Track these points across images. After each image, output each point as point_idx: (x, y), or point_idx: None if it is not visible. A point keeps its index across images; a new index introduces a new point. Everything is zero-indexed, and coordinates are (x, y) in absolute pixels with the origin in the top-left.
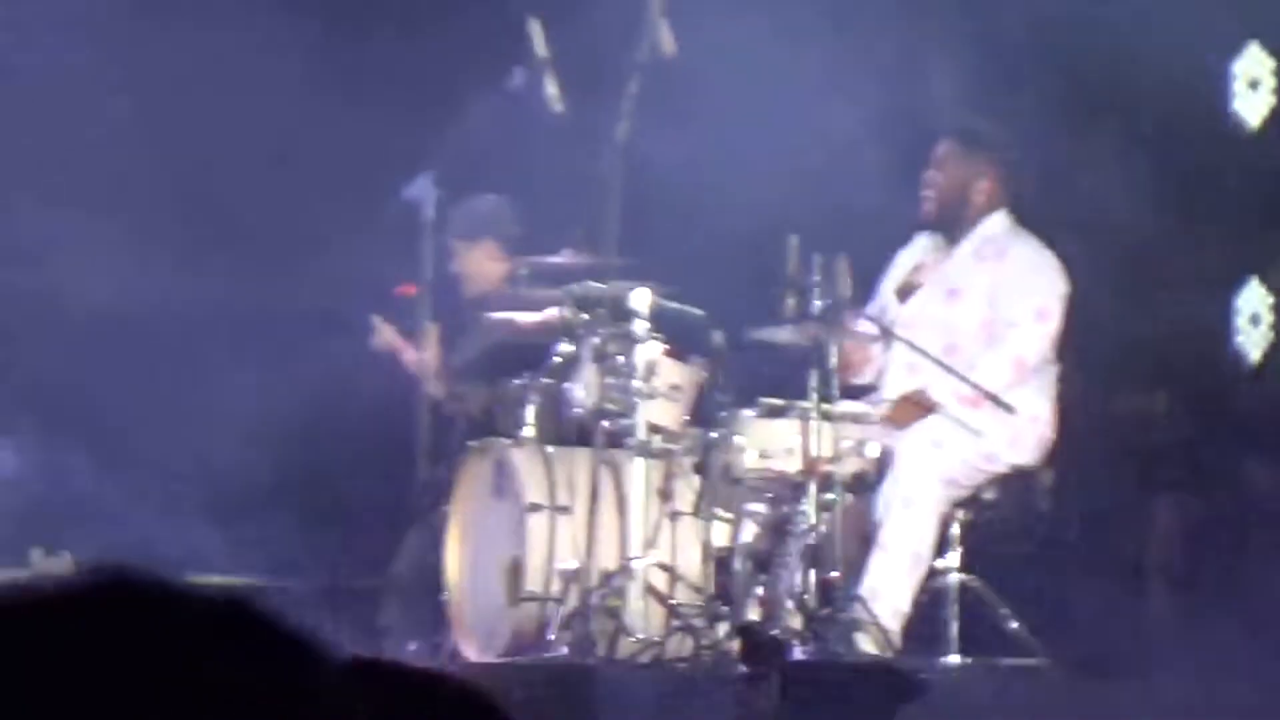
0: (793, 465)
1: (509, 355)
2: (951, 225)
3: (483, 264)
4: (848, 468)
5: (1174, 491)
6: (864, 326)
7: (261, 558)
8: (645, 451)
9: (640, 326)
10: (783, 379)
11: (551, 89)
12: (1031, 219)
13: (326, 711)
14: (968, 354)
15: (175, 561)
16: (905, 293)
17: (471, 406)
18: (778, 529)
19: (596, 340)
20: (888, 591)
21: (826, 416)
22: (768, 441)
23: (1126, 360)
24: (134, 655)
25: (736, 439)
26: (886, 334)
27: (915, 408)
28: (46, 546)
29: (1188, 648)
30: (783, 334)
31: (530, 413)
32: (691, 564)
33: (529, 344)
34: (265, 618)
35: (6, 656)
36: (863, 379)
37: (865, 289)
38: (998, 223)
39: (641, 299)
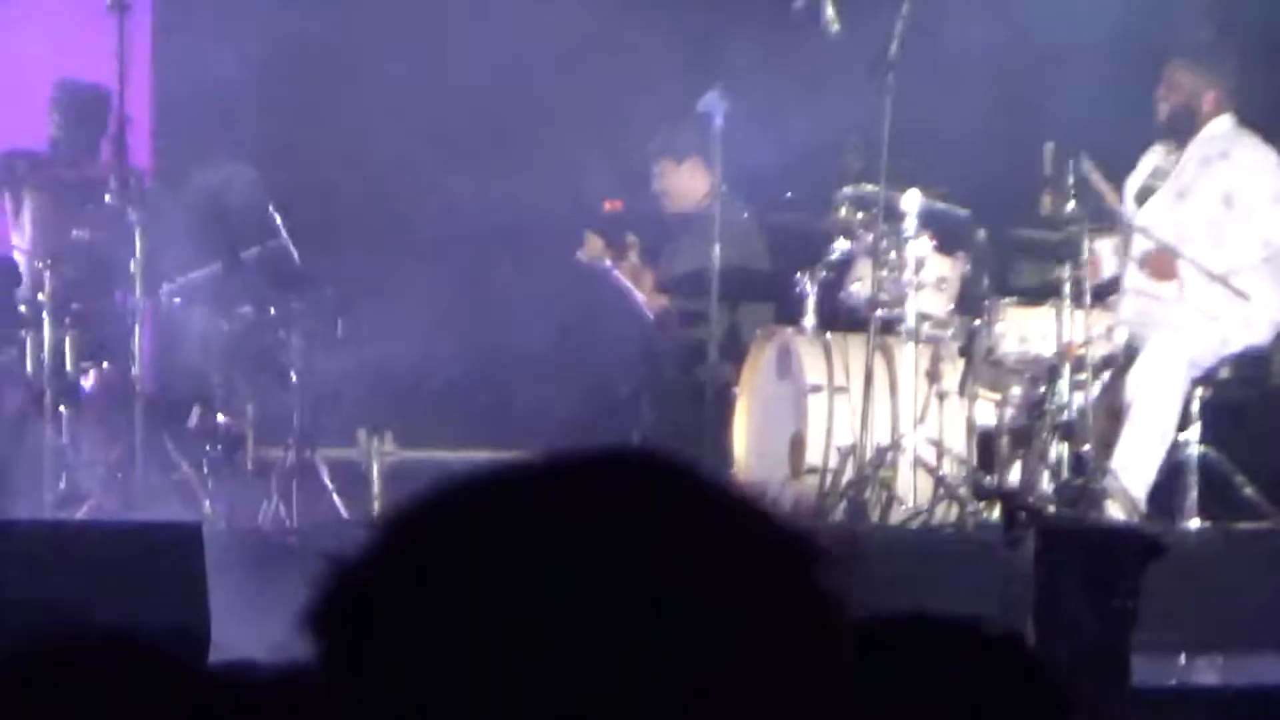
0: (1049, 349)
1: (741, 276)
2: (1182, 132)
3: (689, 181)
4: (1098, 351)
5: None
6: (1114, 223)
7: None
8: (914, 337)
9: (910, 224)
10: (1040, 272)
11: (830, 9)
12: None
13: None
14: (1200, 245)
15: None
16: (1142, 196)
17: (708, 330)
18: (1035, 407)
19: (871, 237)
20: (1137, 463)
21: (1079, 304)
22: (1026, 328)
23: None
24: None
25: (998, 326)
26: (1133, 230)
27: (1163, 270)
28: (371, 427)
29: None
30: (1040, 232)
31: (810, 302)
32: (957, 439)
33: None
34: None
35: (563, 518)
36: (1100, 279)
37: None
38: (1221, 125)
39: (911, 200)
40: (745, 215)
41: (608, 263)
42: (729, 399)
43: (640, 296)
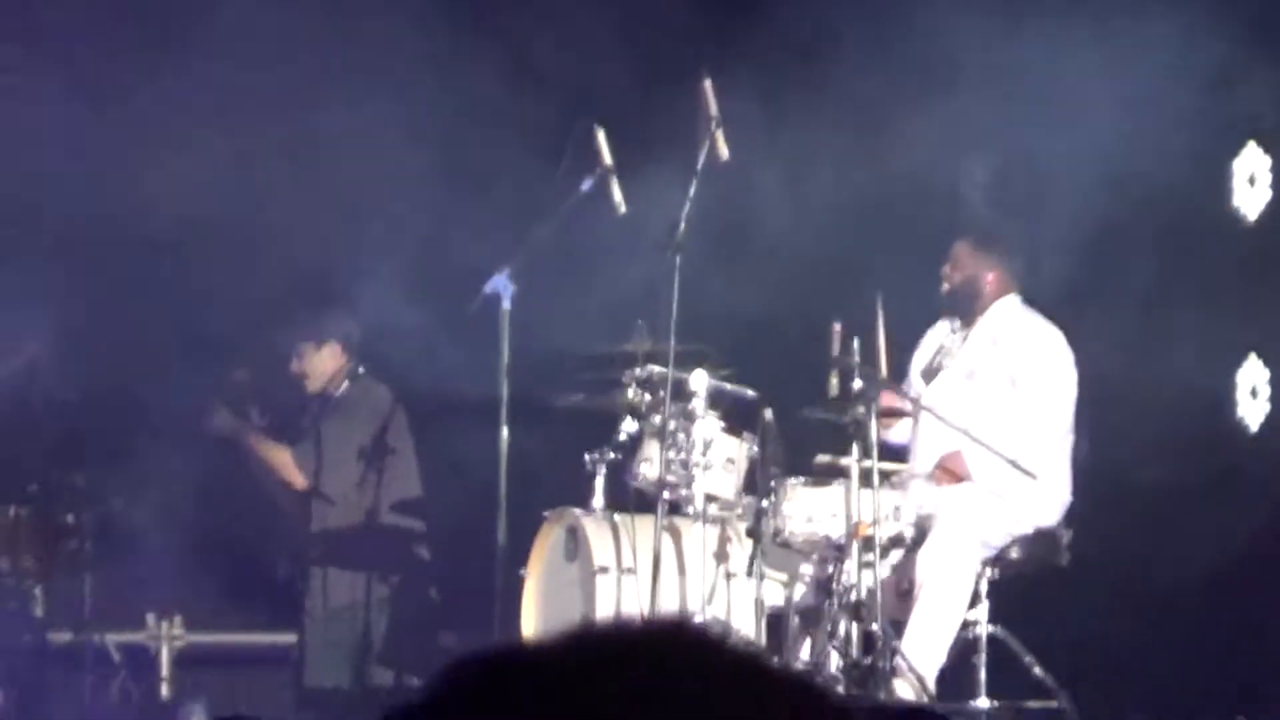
0: (836, 529)
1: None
2: (966, 310)
3: (327, 364)
4: (886, 530)
5: (1170, 553)
6: (899, 402)
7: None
8: (702, 518)
9: (698, 405)
10: (827, 451)
11: (616, 193)
12: (1046, 302)
13: None
14: (988, 429)
15: None
16: (929, 375)
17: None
18: (824, 587)
19: (658, 418)
20: (926, 643)
21: (867, 485)
22: (813, 508)
23: (1138, 429)
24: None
25: (785, 506)
26: (919, 409)
27: (950, 474)
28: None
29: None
30: (827, 412)
31: (599, 483)
32: (745, 619)
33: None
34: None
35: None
36: (893, 437)
37: (899, 366)
38: (1008, 306)
39: (699, 380)
40: (390, 396)
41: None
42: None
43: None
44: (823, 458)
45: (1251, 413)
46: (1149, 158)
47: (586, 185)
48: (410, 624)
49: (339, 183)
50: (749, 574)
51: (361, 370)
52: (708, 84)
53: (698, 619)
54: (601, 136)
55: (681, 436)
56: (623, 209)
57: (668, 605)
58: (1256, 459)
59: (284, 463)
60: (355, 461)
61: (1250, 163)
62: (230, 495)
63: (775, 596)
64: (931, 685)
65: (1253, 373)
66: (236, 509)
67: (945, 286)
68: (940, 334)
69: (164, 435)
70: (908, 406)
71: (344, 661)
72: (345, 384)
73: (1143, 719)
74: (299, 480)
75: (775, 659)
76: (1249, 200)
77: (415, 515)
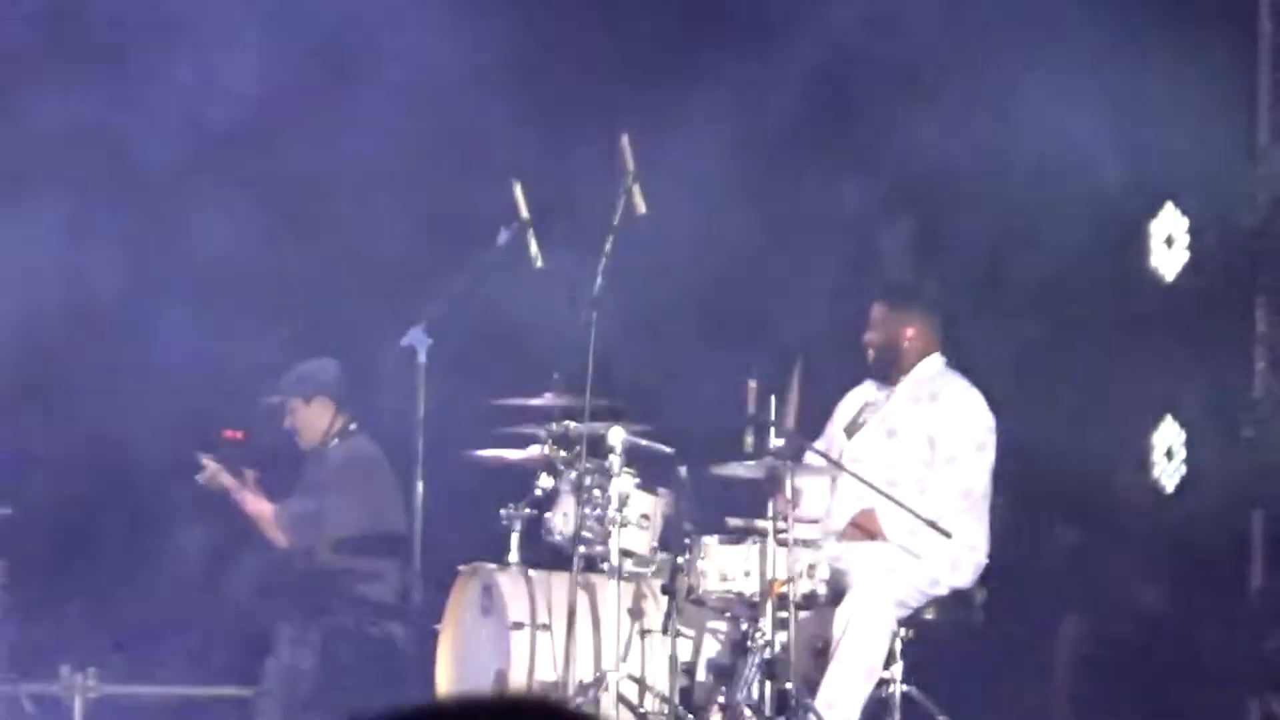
0: (750, 586)
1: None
2: (890, 372)
3: (316, 419)
4: (801, 588)
5: (1084, 613)
6: (816, 460)
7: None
8: (617, 574)
9: (614, 462)
10: (742, 508)
11: (533, 246)
12: (964, 361)
13: None
14: (908, 487)
15: None
16: (851, 431)
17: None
18: (737, 644)
19: (574, 474)
20: (841, 701)
21: (781, 543)
22: (728, 565)
23: (1056, 489)
24: None
25: (700, 563)
26: (837, 467)
27: (864, 531)
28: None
29: None
30: (743, 468)
31: (514, 538)
32: (659, 676)
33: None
34: None
35: None
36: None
37: (817, 425)
38: (930, 366)
39: (616, 436)
40: (377, 453)
41: (228, 485)
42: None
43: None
44: (734, 521)
45: (1167, 474)
46: (1067, 219)
47: (503, 238)
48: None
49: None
50: (664, 631)
51: (354, 426)
52: (625, 140)
53: (560, 693)
54: (519, 190)
55: (597, 492)
56: (539, 262)
57: (582, 661)
58: (1171, 520)
59: (265, 519)
60: (340, 520)
61: (1167, 224)
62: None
63: (689, 653)
64: None
65: (1168, 434)
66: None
67: (870, 352)
68: (866, 392)
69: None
70: (824, 464)
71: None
72: (335, 441)
73: None
74: (279, 538)
75: (691, 716)
76: (1166, 261)
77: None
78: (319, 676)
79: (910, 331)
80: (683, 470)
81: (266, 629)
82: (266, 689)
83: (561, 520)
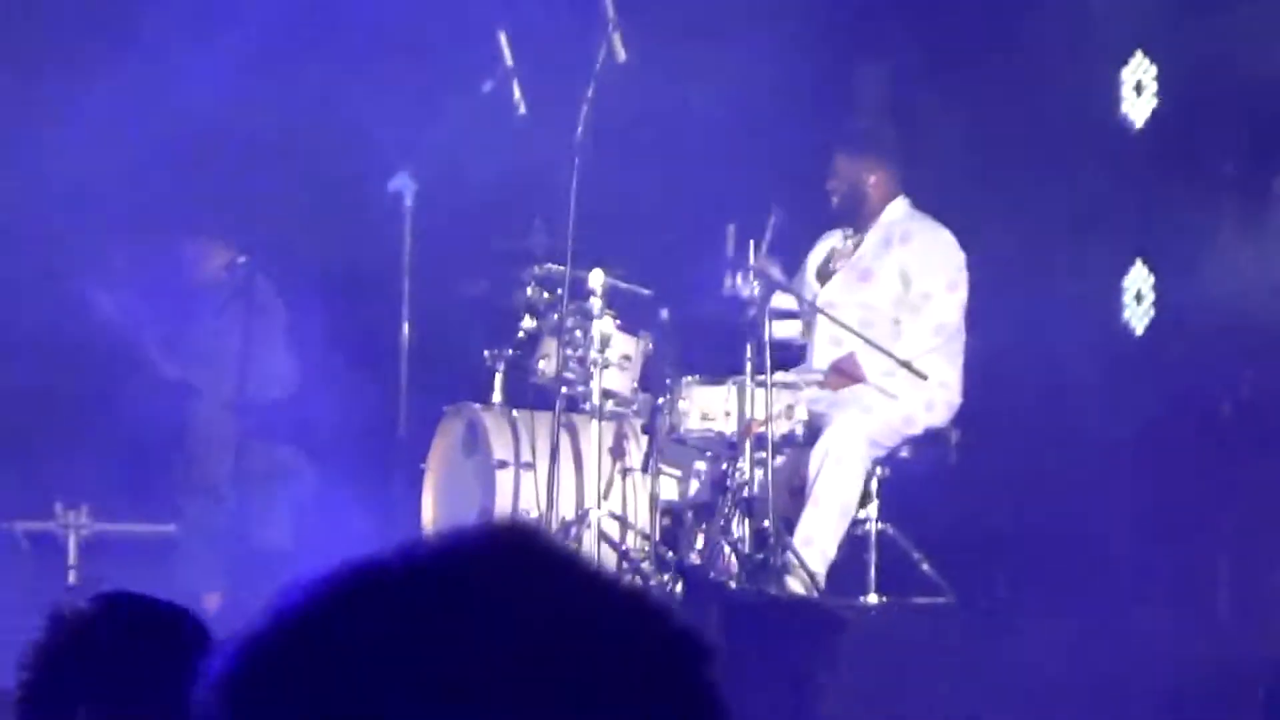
0: (730, 426)
1: None
2: (857, 217)
3: (209, 259)
4: (779, 429)
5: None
6: (792, 303)
7: None
8: (599, 414)
9: (595, 304)
10: (722, 349)
11: (516, 94)
12: (931, 204)
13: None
14: (883, 329)
15: None
16: (824, 277)
17: None
18: (718, 483)
19: (556, 316)
20: (818, 539)
21: (760, 384)
22: (708, 406)
23: (1029, 333)
24: (532, 602)
25: (680, 403)
26: (815, 310)
27: (845, 375)
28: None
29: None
30: (726, 312)
31: (498, 379)
32: (641, 514)
33: None
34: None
35: (429, 606)
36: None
37: (792, 268)
38: (897, 209)
39: (596, 279)
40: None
41: None
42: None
43: None
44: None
45: (1137, 316)
46: (1037, 66)
47: (488, 86)
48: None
49: None
50: (644, 470)
51: (242, 259)
52: None
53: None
54: (503, 38)
55: (579, 334)
56: (523, 109)
57: (565, 499)
58: (1141, 362)
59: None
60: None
61: (1137, 71)
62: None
63: (670, 492)
64: (822, 581)
65: (1138, 278)
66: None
67: (834, 199)
68: (834, 240)
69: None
70: (801, 308)
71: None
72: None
73: (1025, 617)
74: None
75: (671, 553)
76: (1136, 108)
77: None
78: None
79: (872, 178)
80: (664, 312)
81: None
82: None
83: (544, 362)
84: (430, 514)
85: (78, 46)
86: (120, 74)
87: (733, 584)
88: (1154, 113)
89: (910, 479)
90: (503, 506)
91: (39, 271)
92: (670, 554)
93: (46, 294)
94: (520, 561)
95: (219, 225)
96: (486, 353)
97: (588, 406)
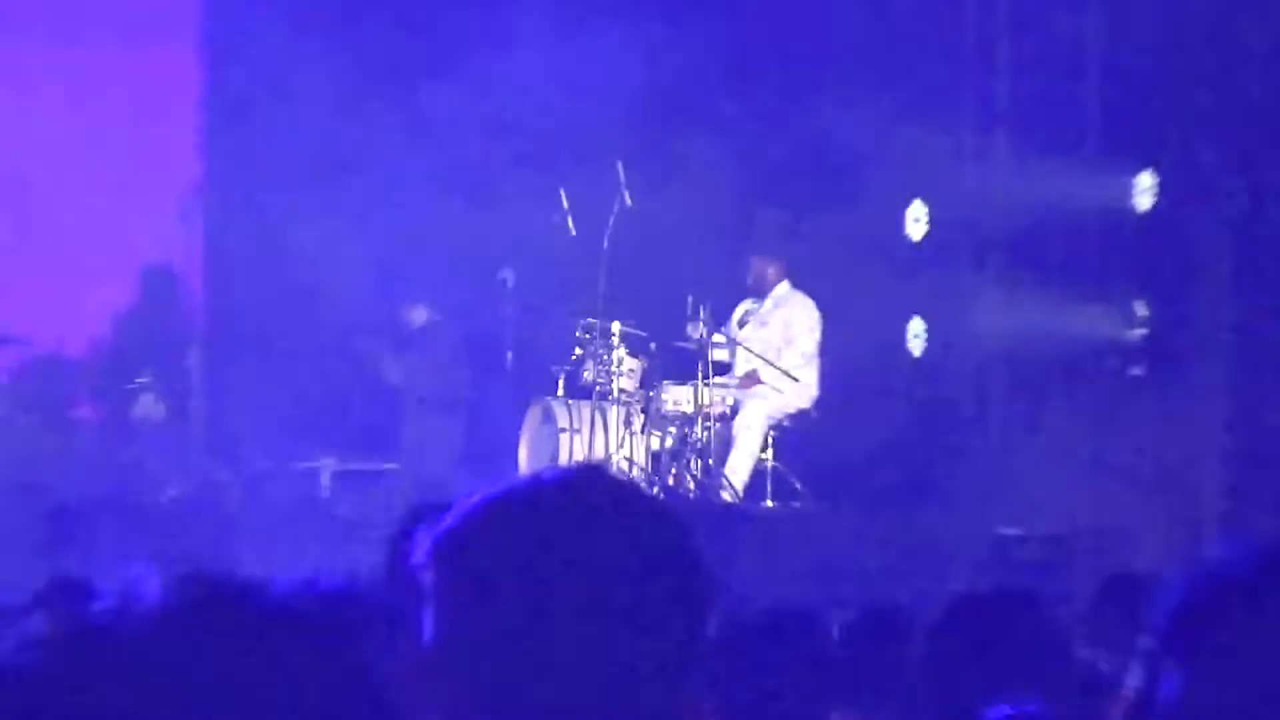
0: (690, 408)
1: None
2: (760, 291)
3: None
4: (716, 409)
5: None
6: (721, 340)
7: None
8: (618, 402)
9: (615, 341)
10: (688, 365)
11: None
12: (802, 284)
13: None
14: (773, 355)
15: None
16: (741, 324)
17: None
18: (683, 440)
19: (593, 347)
20: (739, 470)
21: (706, 384)
22: (678, 396)
23: (850, 359)
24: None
25: (663, 395)
26: (734, 344)
27: (751, 380)
28: None
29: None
30: (688, 345)
31: (561, 382)
32: (640, 457)
33: None
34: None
35: (548, 505)
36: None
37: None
38: (783, 287)
39: (615, 328)
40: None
41: None
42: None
43: None
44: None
45: (916, 349)
46: (858, 208)
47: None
48: None
49: None
50: (642, 432)
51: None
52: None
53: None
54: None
55: (605, 357)
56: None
57: (597, 449)
58: (918, 376)
59: None
60: None
61: (916, 210)
62: None
63: (657, 445)
64: (741, 492)
65: (916, 327)
66: None
67: (750, 278)
68: (747, 304)
69: None
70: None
71: None
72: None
73: (864, 509)
74: None
75: (656, 479)
76: (914, 230)
77: None
78: None
79: (771, 271)
80: (653, 345)
81: None
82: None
83: (587, 373)
84: (524, 457)
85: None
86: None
87: (691, 495)
88: (925, 234)
89: (789, 436)
90: (564, 455)
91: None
92: (656, 479)
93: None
94: (592, 481)
95: None
96: (554, 368)
97: (611, 398)
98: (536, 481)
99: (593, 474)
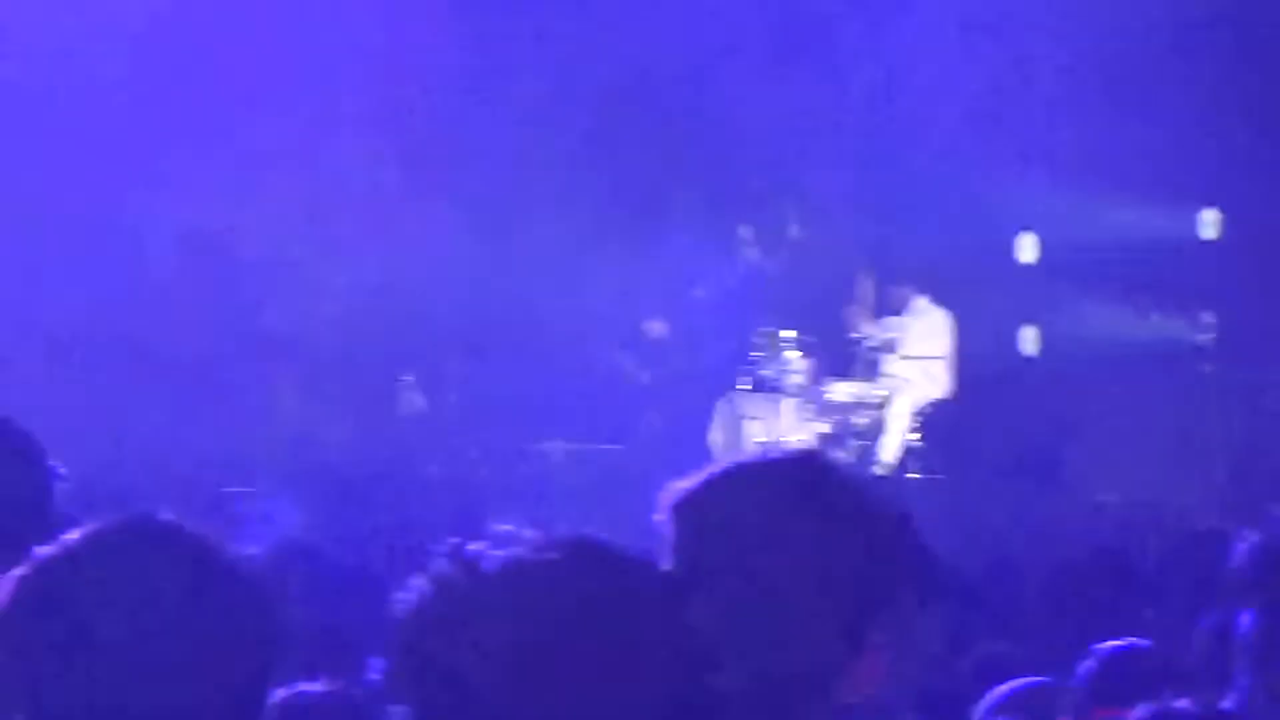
0: (850, 400)
1: None
2: (905, 304)
3: None
4: (872, 400)
5: None
6: None
7: None
8: (791, 395)
9: (789, 343)
10: (849, 364)
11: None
12: None
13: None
14: (917, 354)
15: None
16: (891, 329)
17: None
18: (845, 425)
19: (771, 349)
20: (890, 449)
21: (864, 380)
22: (841, 390)
23: (984, 361)
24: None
25: (829, 389)
26: (885, 345)
27: (899, 375)
28: None
29: None
30: (849, 347)
31: (745, 380)
32: (811, 440)
33: None
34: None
35: (778, 476)
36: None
37: None
38: (921, 302)
39: (789, 334)
40: None
41: None
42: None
43: None
44: None
45: (1029, 350)
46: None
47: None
48: None
49: None
50: (812, 420)
51: None
52: None
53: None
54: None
55: (781, 358)
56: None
57: (776, 437)
58: (1031, 372)
59: None
60: None
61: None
62: None
63: (823, 430)
64: (893, 467)
65: (1029, 333)
66: None
67: (895, 295)
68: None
69: None
70: None
71: None
72: None
73: (990, 480)
74: None
75: None
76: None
77: None
78: None
79: (910, 289)
80: (819, 347)
81: None
82: None
83: (767, 371)
84: (716, 443)
85: None
86: None
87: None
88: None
89: (930, 421)
90: (749, 441)
91: None
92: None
93: None
94: (808, 457)
95: None
96: (739, 367)
97: (785, 392)
98: (762, 456)
99: (808, 453)
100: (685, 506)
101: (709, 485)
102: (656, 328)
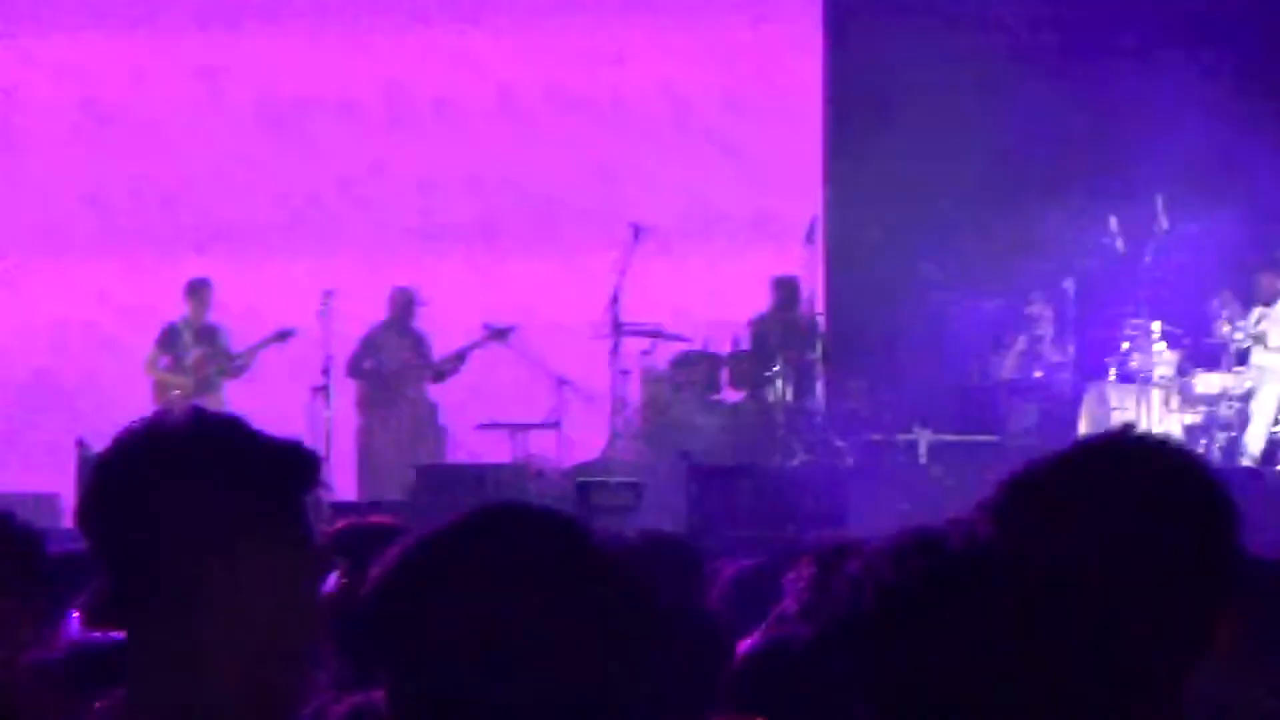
0: (1217, 391)
1: None
2: (1272, 298)
3: None
4: (1238, 391)
5: None
6: None
7: None
8: (1158, 386)
9: (1156, 335)
10: (1215, 356)
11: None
12: None
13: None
14: None
15: None
16: (1257, 322)
17: None
18: (1212, 416)
19: (1139, 340)
20: (1256, 440)
21: (1231, 371)
22: (1208, 382)
23: None
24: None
25: (1195, 381)
26: (1252, 339)
27: (1265, 368)
28: None
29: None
30: (1215, 339)
31: (1112, 371)
32: (1177, 431)
33: None
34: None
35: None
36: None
37: None
38: None
39: (1156, 326)
40: None
41: None
42: None
43: None
44: None
45: None
46: None
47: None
48: None
49: None
50: (1178, 411)
51: None
52: None
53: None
54: (1114, 222)
55: (1149, 349)
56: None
57: (1142, 427)
58: None
59: None
60: None
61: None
62: None
63: (1189, 421)
64: (1259, 458)
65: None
66: None
67: (1262, 288)
68: (1259, 309)
69: None
70: None
71: None
72: None
73: None
74: None
75: None
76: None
77: None
78: None
79: (1278, 283)
80: (1186, 340)
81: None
82: None
83: (1133, 362)
84: (1083, 432)
85: None
86: None
87: (1217, 461)
88: None
89: None
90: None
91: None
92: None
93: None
94: (1139, 438)
95: None
96: (1107, 359)
97: (1152, 383)
98: (1085, 441)
99: (1137, 436)
100: (1013, 495)
101: (1030, 475)
102: (1037, 308)
